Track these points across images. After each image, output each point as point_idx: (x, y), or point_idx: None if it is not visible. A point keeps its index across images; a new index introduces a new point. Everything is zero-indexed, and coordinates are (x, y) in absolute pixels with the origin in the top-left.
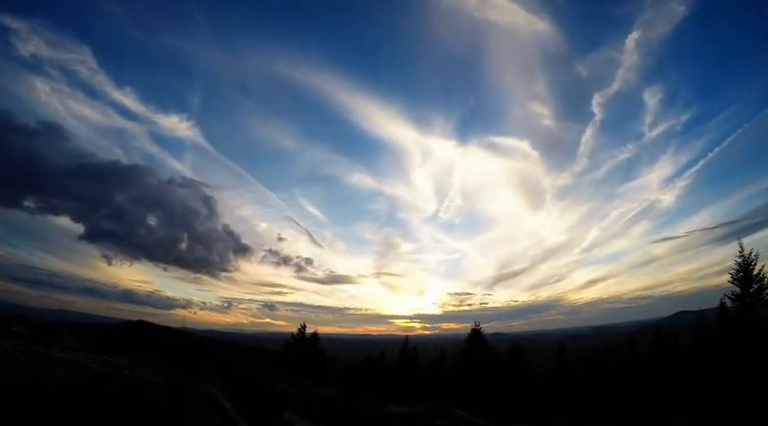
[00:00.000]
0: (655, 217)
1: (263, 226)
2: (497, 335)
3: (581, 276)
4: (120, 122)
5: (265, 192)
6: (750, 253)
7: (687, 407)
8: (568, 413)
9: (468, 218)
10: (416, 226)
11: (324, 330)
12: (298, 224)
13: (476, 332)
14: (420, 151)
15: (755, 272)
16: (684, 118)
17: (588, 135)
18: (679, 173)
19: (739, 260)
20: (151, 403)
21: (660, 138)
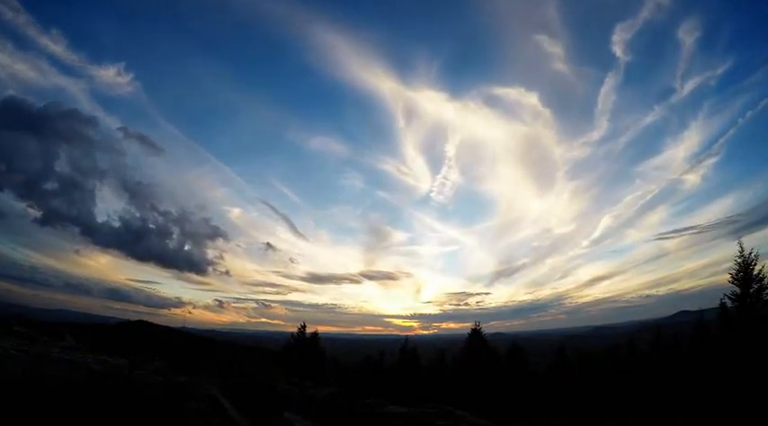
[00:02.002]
0: (674, 203)
1: (236, 211)
2: (497, 335)
3: (586, 272)
4: (55, 79)
5: (226, 169)
6: (750, 253)
7: (687, 407)
8: (568, 414)
9: (466, 201)
10: (406, 211)
11: (322, 329)
12: (275, 210)
13: (475, 333)
14: (403, 106)
15: (755, 272)
16: (722, 69)
17: (608, 87)
18: (708, 147)
19: (739, 260)
20: (151, 403)
21: (692, 97)
